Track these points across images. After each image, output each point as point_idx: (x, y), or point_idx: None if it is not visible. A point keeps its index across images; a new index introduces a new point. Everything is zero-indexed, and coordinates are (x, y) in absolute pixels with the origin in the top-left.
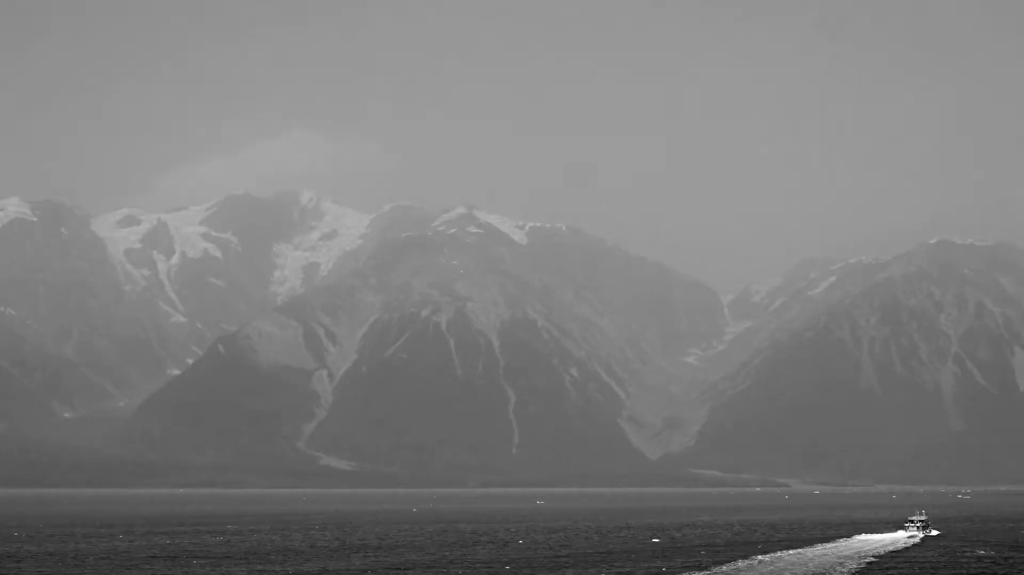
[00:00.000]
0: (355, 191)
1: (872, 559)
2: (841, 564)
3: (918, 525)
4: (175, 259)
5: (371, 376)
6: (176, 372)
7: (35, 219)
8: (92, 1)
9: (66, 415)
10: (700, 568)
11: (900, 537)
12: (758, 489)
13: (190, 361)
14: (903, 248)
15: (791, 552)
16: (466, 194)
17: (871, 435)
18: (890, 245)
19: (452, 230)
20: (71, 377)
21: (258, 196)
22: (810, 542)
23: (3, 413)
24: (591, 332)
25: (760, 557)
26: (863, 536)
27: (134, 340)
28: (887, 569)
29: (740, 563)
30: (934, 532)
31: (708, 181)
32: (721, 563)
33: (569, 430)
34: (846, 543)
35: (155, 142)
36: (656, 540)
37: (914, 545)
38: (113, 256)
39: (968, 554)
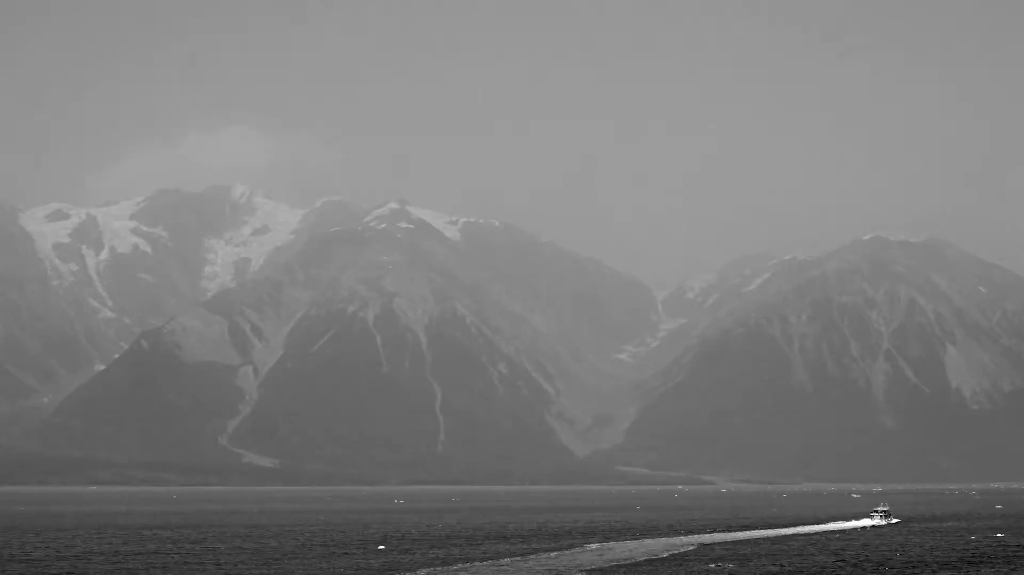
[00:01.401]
0: (291, 186)
1: None
2: None
3: (881, 514)
4: (104, 254)
5: (296, 372)
6: (103, 368)
7: None
8: None
9: None
10: None
11: (865, 523)
12: (680, 487)
13: (117, 357)
14: (838, 245)
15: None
16: (403, 190)
17: (801, 432)
18: (826, 242)
19: (383, 225)
20: None
21: (189, 191)
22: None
23: None
24: (522, 328)
25: None
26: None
27: (61, 336)
28: None
29: None
30: (894, 520)
31: (644, 177)
32: None
33: (496, 427)
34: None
35: (87, 137)
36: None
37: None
38: (41, 251)
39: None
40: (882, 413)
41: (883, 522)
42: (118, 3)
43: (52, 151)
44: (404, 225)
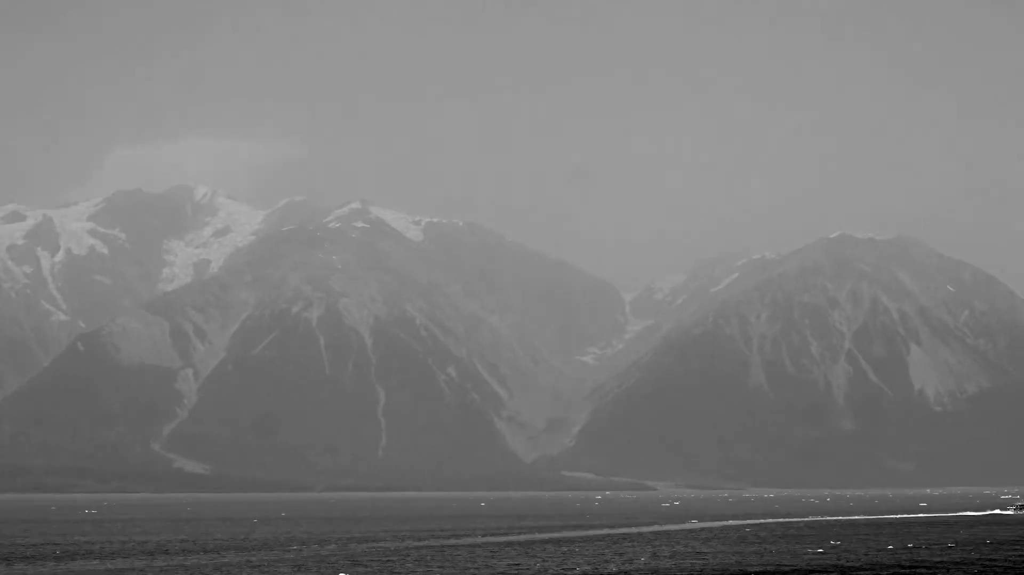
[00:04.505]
0: (257, 187)
1: None
2: None
3: (1016, 507)
4: (60, 256)
5: (237, 375)
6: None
7: None
8: None
9: None
10: None
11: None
12: (599, 495)
13: (51, 361)
14: (804, 243)
15: None
16: (371, 191)
17: (756, 435)
18: (799, 240)
19: (337, 225)
20: None
21: (150, 191)
22: None
23: None
24: (478, 330)
25: None
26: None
27: (9, 340)
28: None
29: None
30: None
31: (613, 176)
32: None
33: (441, 431)
34: None
35: (48, 139)
36: None
37: None
38: None
39: None
40: (841, 415)
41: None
42: (91, 9)
43: (11, 153)
44: (360, 225)
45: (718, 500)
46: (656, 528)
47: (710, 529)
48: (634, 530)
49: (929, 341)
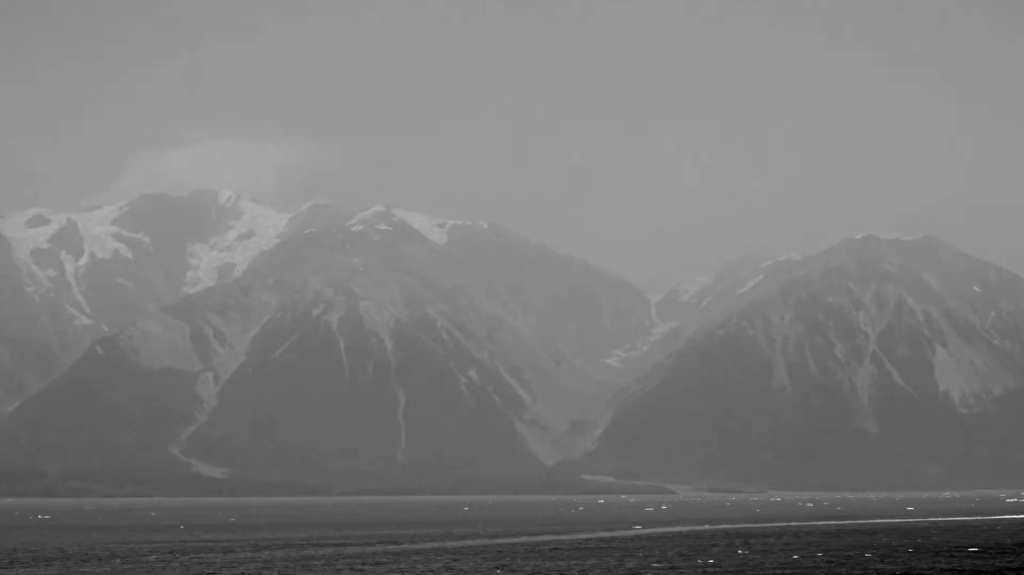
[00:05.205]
0: (280, 191)
1: None
2: None
3: None
4: (84, 260)
5: (257, 378)
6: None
7: None
8: None
9: None
10: None
11: None
12: (603, 498)
13: (71, 364)
14: (830, 244)
15: None
16: (396, 193)
17: (779, 438)
18: (826, 241)
19: (359, 227)
20: None
21: (174, 195)
22: None
23: None
24: (501, 333)
25: None
26: None
27: (32, 343)
28: None
29: None
30: None
31: (640, 178)
32: None
33: (461, 435)
34: None
35: (72, 143)
36: None
37: None
38: (18, 257)
39: None
40: (866, 417)
41: None
42: (112, 12)
43: (37, 158)
44: (382, 227)
45: (714, 504)
46: (587, 535)
47: (628, 538)
48: (559, 538)
49: (955, 342)
